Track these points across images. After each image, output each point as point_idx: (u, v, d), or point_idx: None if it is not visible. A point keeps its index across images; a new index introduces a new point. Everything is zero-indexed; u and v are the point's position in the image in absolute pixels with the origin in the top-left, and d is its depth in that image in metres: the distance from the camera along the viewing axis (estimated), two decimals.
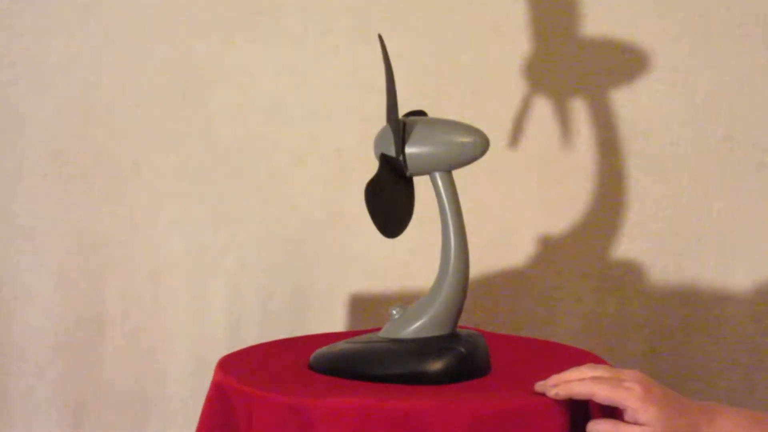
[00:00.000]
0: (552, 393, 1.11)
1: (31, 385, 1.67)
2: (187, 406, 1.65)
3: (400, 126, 1.18)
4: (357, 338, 1.25)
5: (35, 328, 1.66)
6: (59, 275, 1.66)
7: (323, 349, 1.24)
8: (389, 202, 1.19)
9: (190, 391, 1.65)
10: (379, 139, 1.21)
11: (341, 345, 1.23)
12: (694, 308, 1.63)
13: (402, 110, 1.20)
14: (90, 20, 1.63)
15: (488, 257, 1.64)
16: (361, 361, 1.20)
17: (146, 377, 1.67)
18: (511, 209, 1.64)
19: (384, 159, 1.19)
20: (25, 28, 1.63)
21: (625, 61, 1.61)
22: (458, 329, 1.24)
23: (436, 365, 1.18)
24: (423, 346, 1.20)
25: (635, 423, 1.08)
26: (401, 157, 1.18)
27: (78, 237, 1.66)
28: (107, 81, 1.64)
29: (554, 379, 1.13)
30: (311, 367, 1.23)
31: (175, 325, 1.67)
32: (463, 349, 1.20)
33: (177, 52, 1.64)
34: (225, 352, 1.33)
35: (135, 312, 1.67)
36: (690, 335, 1.62)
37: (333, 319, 1.66)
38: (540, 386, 1.13)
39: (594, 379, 1.10)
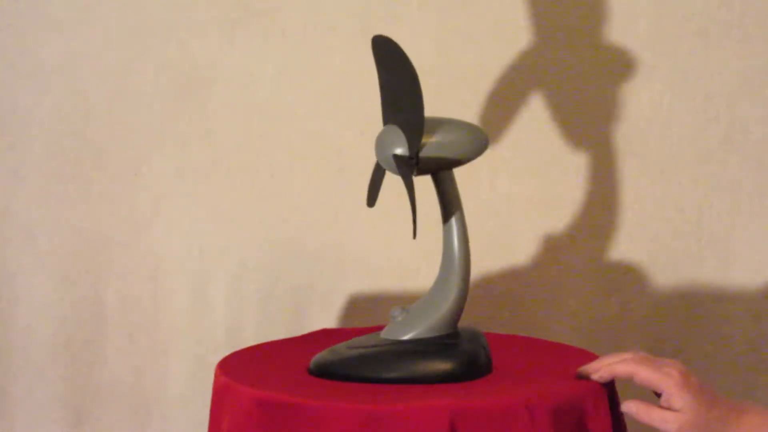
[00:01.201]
0: (596, 377, 1.16)
1: (31, 385, 1.67)
2: (187, 406, 1.65)
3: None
4: (359, 342, 1.24)
5: (35, 328, 1.66)
6: (59, 275, 1.66)
7: (328, 355, 1.22)
8: (411, 202, 1.19)
9: (190, 391, 1.65)
10: (387, 141, 1.20)
11: (349, 351, 1.22)
12: (694, 308, 1.63)
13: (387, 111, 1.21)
14: (90, 20, 1.63)
15: (488, 257, 1.64)
16: (377, 365, 1.19)
17: (146, 377, 1.67)
18: (511, 209, 1.64)
19: (399, 160, 1.18)
20: (25, 28, 1.63)
21: (625, 61, 1.61)
22: (459, 328, 1.24)
23: (453, 364, 1.19)
24: (434, 347, 1.20)
25: (669, 408, 1.12)
26: (415, 158, 1.18)
27: (78, 237, 1.66)
28: (107, 81, 1.64)
29: (596, 363, 1.17)
30: (312, 372, 1.21)
31: (175, 325, 1.66)
32: (478, 348, 1.22)
33: (177, 52, 1.64)
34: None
35: (135, 312, 1.66)
36: (690, 335, 1.62)
37: (333, 319, 1.66)
38: (583, 370, 1.18)
39: (636, 359, 1.14)
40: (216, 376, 1.21)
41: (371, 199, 1.25)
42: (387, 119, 1.21)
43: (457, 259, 1.23)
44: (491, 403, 1.08)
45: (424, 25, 1.61)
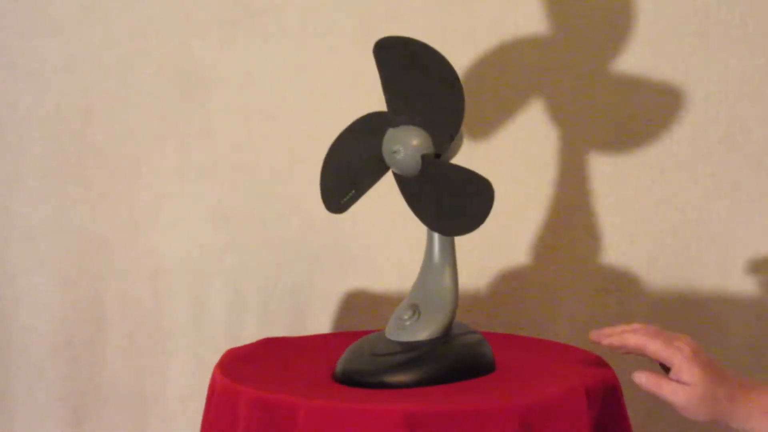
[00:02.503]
0: (606, 342, 1.18)
1: (31, 385, 1.67)
2: (187, 406, 1.65)
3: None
4: (376, 347, 1.23)
5: (35, 328, 1.66)
6: (59, 275, 1.66)
7: (358, 364, 1.21)
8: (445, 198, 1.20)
9: (190, 391, 1.65)
10: (409, 143, 1.19)
11: (379, 358, 1.21)
12: (694, 308, 1.63)
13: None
14: (90, 20, 1.63)
15: (488, 257, 1.64)
16: (415, 369, 1.19)
17: (146, 377, 1.67)
18: (511, 209, 1.64)
19: (429, 160, 1.18)
20: (25, 28, 1.63)
21: (625, 61, 1.61)
22: (456, 327, 1.25)
23: (475, 362, 1.22)
24: (452, 347, 1.22)
25: (678, 380, 1.14)
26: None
27: (78, 237, 1.66)
28: (107, 81, 1.64)
29: (608, 329, 1.19)
30: (339, 381, 1.20)
31: (175, 325, 1.66)
32: (486, 344, 1.23)
33: (177, 52, 1.63)
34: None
35: (135, 312, 1.66)
36: (690, 335, 1.62)
37: (333, 319, 1.66)
38: (594, 335, 1.19)
39: (647, 332, 1.16)
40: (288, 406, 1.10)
41: (344, 206, 1.25)
42: (400, 121, 1.20)
43: (443, 256, 1.24)
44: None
45: (424, 25, 1.61)
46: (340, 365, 1.22)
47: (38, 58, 1.63)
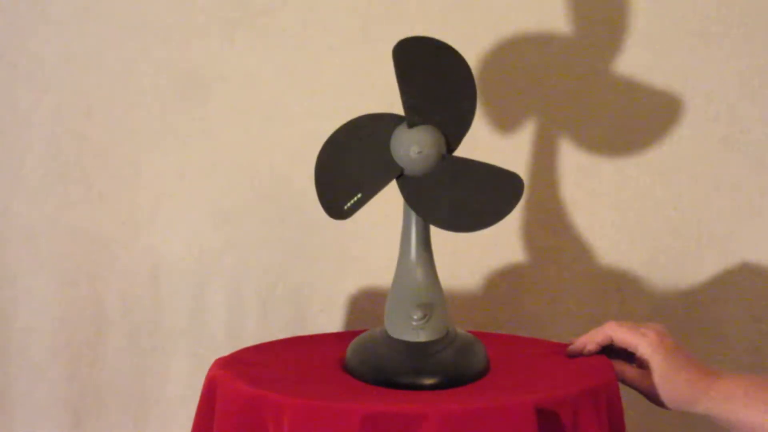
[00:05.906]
0: (586, 351, 1.22)
1: (31, 385, 1.67)
2: (187, 406, 1.65)
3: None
4: (390, 347, 1.23)
5: (35, 328, 1.66)
6: (59, 275, 1.66)
7: (382, 363, 1.21)
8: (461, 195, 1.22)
9: (190, 391, 1.65)
10: (429, 143, 1.19)
11: (404, 357, 1.21)
12: (694, 308, 1.63)
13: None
14: (90, 20, 1.63)
15: (488, 257, 1.64)
16: (442, 369, 1.20)
17: (146, 377, 1.67)
18: None
19: (447, 158, 1.19)
20: (25, 28, 1.63)
21: (625, 61, 1.61)
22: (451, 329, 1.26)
23: (484, 362, 1.23)
24: (460, 348, 1.22)
25: (639, 366, 1.18)
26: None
27: (78, 237, 1.66)
28: (107, 81, 1.64)
29: (583, 338, 1.23)
30: (377, 384, 1.20)
31: (175, 325, 1.66)
32: (482, 345, 1.24)
33: (177, 52, 1.64)
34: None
35: (135, 312, 1.67)
36: (690, 335, 1.62)
37: (333, 319, 1.66)
38: (573, 349, 1.24)
39: (614, 324, 1.20)
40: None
41: (348, 211, 1.25)
42: (417, 121, 1.20)
43: (427, 253, 1.24)
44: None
45: (424, 25, 1.61)
46: (375, 368, 1.21)
47: (38, 58, 1.64)
